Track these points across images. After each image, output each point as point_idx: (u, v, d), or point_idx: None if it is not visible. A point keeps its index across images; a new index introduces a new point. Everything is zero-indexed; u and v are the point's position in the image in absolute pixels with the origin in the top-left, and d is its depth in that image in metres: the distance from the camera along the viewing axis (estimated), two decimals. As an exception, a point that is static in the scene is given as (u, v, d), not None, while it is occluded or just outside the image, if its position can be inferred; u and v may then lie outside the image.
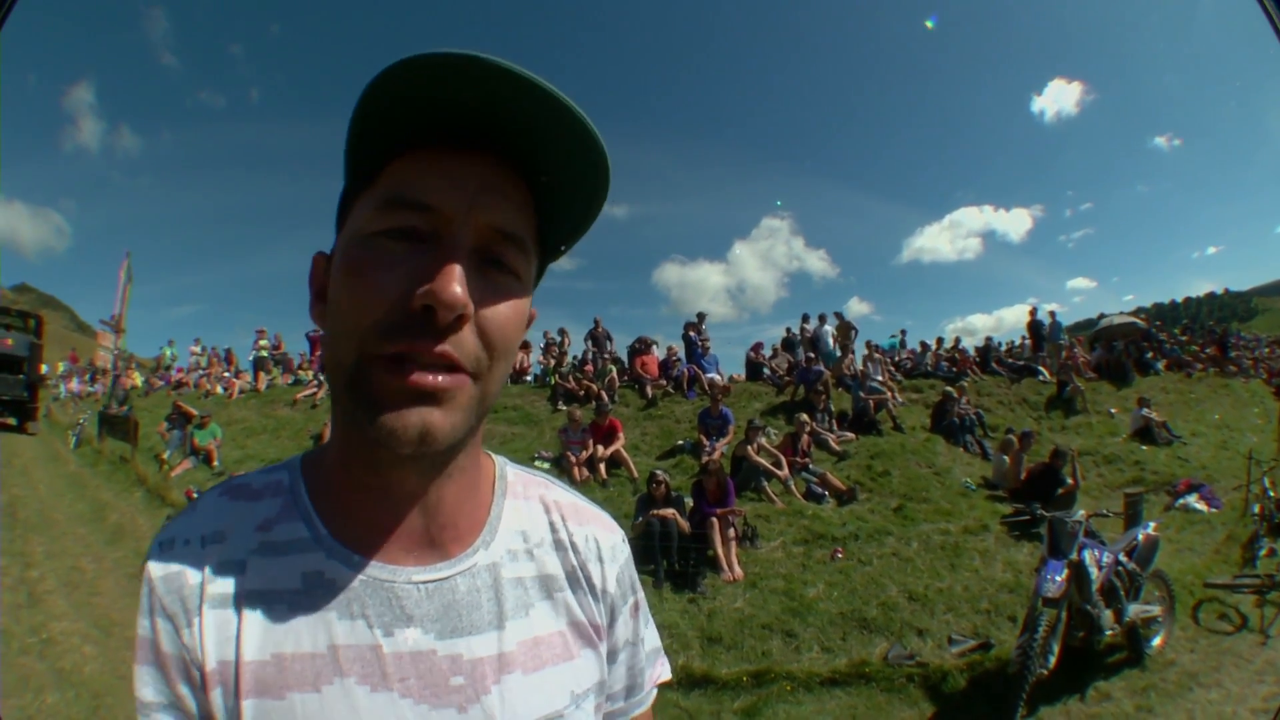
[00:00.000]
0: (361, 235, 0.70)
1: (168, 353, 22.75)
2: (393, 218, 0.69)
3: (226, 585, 0.74)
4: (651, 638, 1.01)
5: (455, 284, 0.65)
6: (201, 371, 19.43)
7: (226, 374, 18.72)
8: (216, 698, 0.71)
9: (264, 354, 17.97)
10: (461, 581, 0.78)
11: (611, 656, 0.93)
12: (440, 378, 0.67)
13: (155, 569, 0.75)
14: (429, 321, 0.65)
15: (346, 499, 0.78)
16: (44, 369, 21.56)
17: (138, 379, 21.46)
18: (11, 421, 17.58)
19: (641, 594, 0.99)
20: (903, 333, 18.75)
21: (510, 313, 0.73)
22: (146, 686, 0.72)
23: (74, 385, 24.80)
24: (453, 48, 0.62)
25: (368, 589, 0.75)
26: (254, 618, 0.72)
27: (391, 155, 0.71)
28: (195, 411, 13.31)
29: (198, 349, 21.14)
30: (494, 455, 0.94)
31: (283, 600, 0.73)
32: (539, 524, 0.90)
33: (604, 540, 0.94)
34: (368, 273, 0.68)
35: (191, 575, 0.74)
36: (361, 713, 0.71)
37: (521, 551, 0.85)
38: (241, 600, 0.73)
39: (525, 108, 0.66)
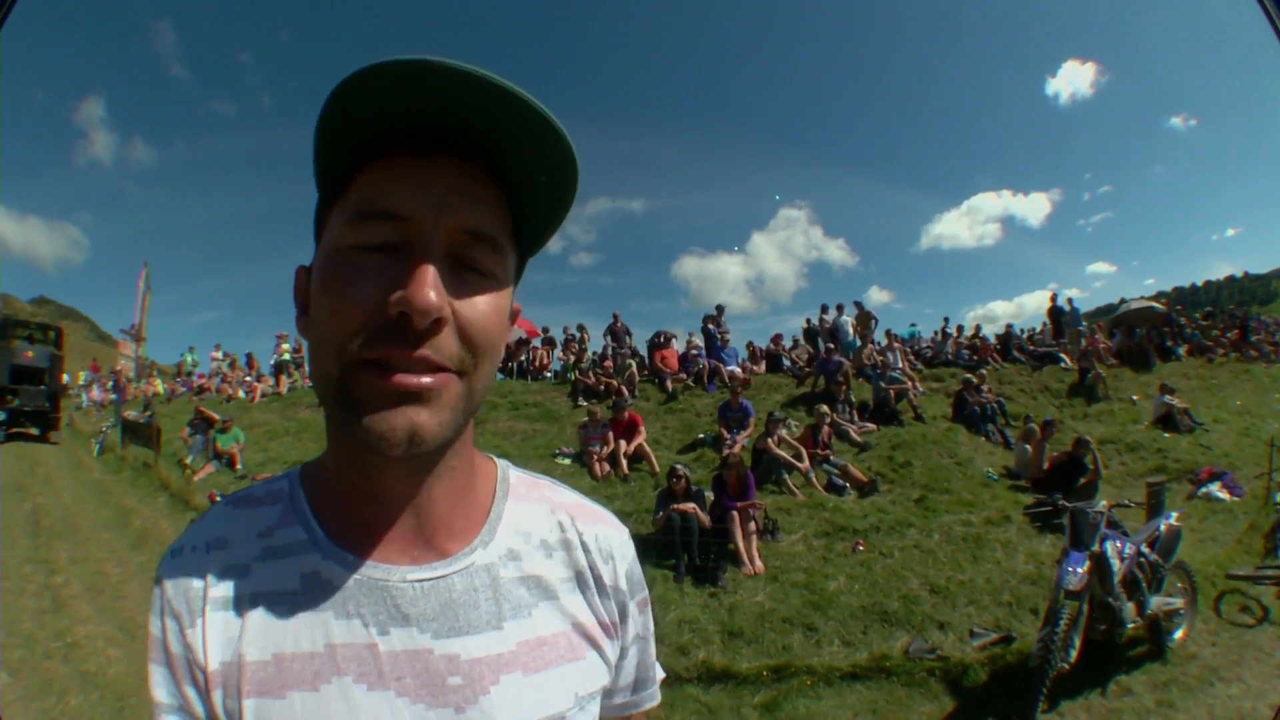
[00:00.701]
0: (336, 249, 0.71)
1: (189, 359, 23.09)
2: (364, 230, 0.69)
3: (229, 589, 0.76)
4: (652, 646, 1.02)
5: (429, 289, 0.65)
6: (222, 376, 19.63)
7: (248, 378, 18.88)
8: (218, 699, 0.73)
9: (285, 358, 18.05)
10: (458, 580, 0.79)
11: (623, 652, 0.94)
12: (424, 378, 0.68)
13: (165, 573, 0.79)
14: (406, 328, 0.66)
15: (342, 503, 0.80)
16: (65, 379, 21.88)
17: (159, 386, 21.74)
18: (34, 431, 17.89)
19: (648, 599, 1.00)
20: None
21: (489, 309, 0.73)
22: (160, 687, 0.75)
23: (96, 394, 25.11)
24: (408, 54, 0.62)
25: (363, 588, 0.76)
26: (255, 619, 0.74)
27: (359, 166, 0.71)
28: (217, 416, 13.41)
29: (219, 354, 21.42)
30: (496, 459, 0.95)
31: (282, 601, 0.75)
32: (544, 525, 0.90)
33: (614, 538, 0.94)
34: (344, 285, 0.69)
35: (196, 579, 0.77)
36: (359, 711, 0.72)
37: (524, 552, 0.85)
38: (243, 603, 0.75)
39: (485, 109, 0.66)
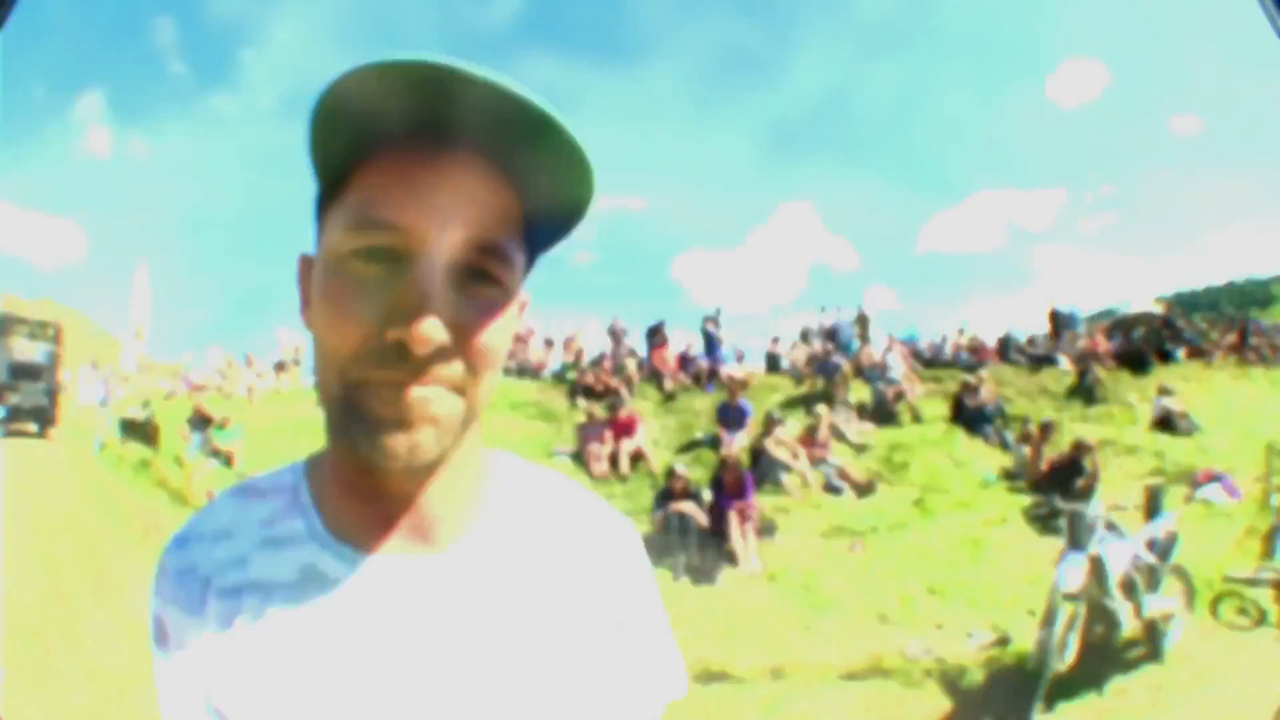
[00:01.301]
0: (335, 256, 0.68)
1: (189, 356, 22.92)
2: (362, 238, 0.66)
3: (230, 579, 0.76)
4: (668, 635, 0.96)
5: (428, 319, 0.62)
6: (221, 374, 19.62)
7: (247, 376, 18.85)
8: (216, 686, 0.73)
9: (285, 357, 17.96)
10: (455, 576, 0.77)
11: (633, 653, 0.88)
12: (428, 398, 0.66)
13: (170, 562, 0.79)
14: (404, 353, 0.64)
15: (341, 497, 0.78)
16: (65, 376, 21.91)
17: (158, 383, 21.73)
18: (33, 428, 17.85)
19: (655, 592, 0.95)
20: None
21: (495, 326, 0.70)
22: (163, 675, 0.77)
23: (95, 391, 25.10)
24: (406, 54, 0.58)
25: (358, 581, 0.74)
26: (252, 609, 0.74)
27: (356, 162, 0.68)
28: (216, 414, 13.34)
29: (218, 352, 21.26)
30: (498, 452, 0.91)
31: (278, 591, 0.74)
32: (544, 521, 0.86)
33: (614, 536, 0.91)
34: (342, 300, 0.67)
35: (200, 569, 0.77)
36: (352, 704, 0.71)
37: (521, 546, 0.83)
38: (242, 593, 0.75)
39: (491, 111, 0.62)
